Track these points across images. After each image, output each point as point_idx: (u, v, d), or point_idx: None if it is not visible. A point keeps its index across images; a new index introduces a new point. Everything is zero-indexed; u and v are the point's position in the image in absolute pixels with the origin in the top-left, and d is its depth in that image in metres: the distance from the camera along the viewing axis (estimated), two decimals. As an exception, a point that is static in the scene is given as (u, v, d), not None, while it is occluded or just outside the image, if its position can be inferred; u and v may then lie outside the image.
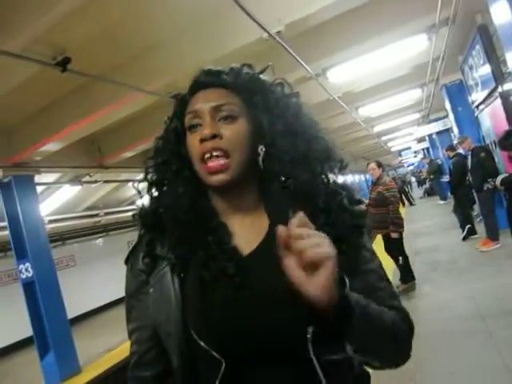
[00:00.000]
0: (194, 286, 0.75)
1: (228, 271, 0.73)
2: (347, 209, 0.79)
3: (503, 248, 5.62)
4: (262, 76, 0.85)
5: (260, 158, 0.79)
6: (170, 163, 0.82)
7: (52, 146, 5.32)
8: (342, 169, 0.84)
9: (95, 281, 11.79)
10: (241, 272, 0.73)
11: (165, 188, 0.83)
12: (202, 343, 0.71)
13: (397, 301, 0.80)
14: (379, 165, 5.08)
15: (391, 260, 5.16)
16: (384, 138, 16.51)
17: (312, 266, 0.57)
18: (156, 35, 3.96)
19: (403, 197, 17.49)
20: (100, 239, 13.03)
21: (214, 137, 0.75)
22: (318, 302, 0.58)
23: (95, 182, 8.21)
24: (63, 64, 3.38)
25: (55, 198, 8.90)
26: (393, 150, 22.61)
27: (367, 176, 25.17)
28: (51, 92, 4.50)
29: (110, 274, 12.71)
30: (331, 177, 0.82)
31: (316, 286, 0.57)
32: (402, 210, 14.54)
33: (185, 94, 0.85)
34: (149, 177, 0.85)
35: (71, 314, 7.05)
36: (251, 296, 0.73)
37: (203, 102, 0.79)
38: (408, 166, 36.14)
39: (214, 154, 0.75)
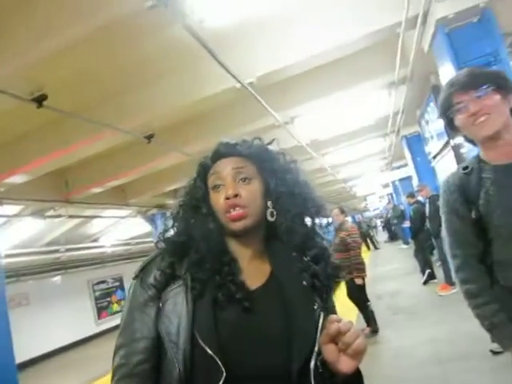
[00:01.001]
0: (207, 304, 0.89)
1: (236, 296, 0.89)
2: (331, 261, 1.01)
3: (460, 292, 5.84)
4: (269, 147, 1.06)
5: (268, 212, 0.99)
6: (200, 207, 1.00)
7: (18, 178, 5.24)
8: (329, 225, 1.06)
9: (49, 322, 11.16)
10: (248, 300, 0.90)
11: (193, 224, 1.00)
12: (210, 351, 0.83)
13: None
14: (342, 211, 5.29)
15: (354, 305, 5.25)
16: (350, 183, 17.08)
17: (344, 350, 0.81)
18: (133, 78, 4.10)
19: (368, 241, 17.92)
20: (58, 277, 12.47)
21: (235, 196, 0.94)
22: (346, 373, 0.83)
23: (59, 216, 8.01)
24: (40, 100, 3.44)
25: (14, 232, 8.57)
26: (358, 194, 23.33)
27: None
28: (22, 124, 4.51)
29: (65, 315, 12.11)
30: (320, 232, 1.04)
31: (348, 366, 0.82)
32: (367, 254, 14.82)
33: (205, 161, 1.04)
34: (176, 217, 1.03)
35: (19, 358, 6.61)
36: (258, 321, 0.89)
37: (224, 167, 0.98)
38: (374, 210, 37.20)
39: (237, 209, 0.94)
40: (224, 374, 0.81)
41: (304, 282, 0.94)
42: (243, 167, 0.98)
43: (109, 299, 15.23)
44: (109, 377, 0.93)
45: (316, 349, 0.86)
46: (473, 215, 1.31)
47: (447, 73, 3.67)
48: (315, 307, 0.92)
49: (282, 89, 5.01)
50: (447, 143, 5.41)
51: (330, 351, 0.82)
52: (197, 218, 0.99)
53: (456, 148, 5.13)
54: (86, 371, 7.90)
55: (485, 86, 1.27)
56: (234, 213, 0.93)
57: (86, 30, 2.74)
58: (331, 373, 0.86)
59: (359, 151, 10.12)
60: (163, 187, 8.30)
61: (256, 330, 0.88)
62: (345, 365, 0.82)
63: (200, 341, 0.84)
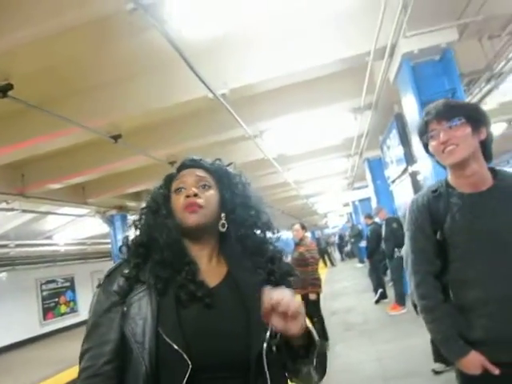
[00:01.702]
0: (171, 303, 0.97)
1: (197, 295, 0.98)
2: (284, 262, 1.15)
3: (408, 313, 6.08)
4: (228, 168, 1.20)
5: (220, 223, 1.10)
6: (160, 210, 1.11)
7: (-29, 169, 5.00)
8: (278, 236, 1.19)
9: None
10: (209, 297, 0.99)
11: (153, 226, 1.08)
12: (175, 346, 0.90)
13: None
14: (303, 226, 5.41)
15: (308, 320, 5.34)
16: (312, 200, 17.41)
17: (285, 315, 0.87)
18: (105, 77, 4.06)
19: (325, 257, 18.25)
20: (4, 273, 11.85)
21: (195, 195, 1.06)
22: (297, 334, 0.90)
23: (12, 210, 7.66)
24: (4, 90, 3.33)
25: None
26: (319, 211, 23.78)
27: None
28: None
29: (8, 314, 11.48)
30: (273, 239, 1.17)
31: (297, 326, 0.89)
32: (324, 270, 15.08)
33: (172, 172, 1.18)
34: (142, 218, 1.12)
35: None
36: (218, 315, 0.98)
37: (189, 174, 1.12)
38: (333, 228, 37.91)
39: (194, 206, 1.05)
40: (190, 366, 0.89)
41: (259, 277, 1.05)
42: (205, 177, 1.11)
43: (57, 300, 14.61)
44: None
45: (268, 334, 0.95)
46: (438, 236, 1.43)
47: (409, 103, 3.90)
48: None
49: (253, 102, 5.11)
50: (405, 169, 5.68)
51: (276, 322, 0.88)
52: (157, 220, 1.08)
53: (413, 174, 5.41)
54: (23, 375, 7.51)
55: (457, 118, 1.38)
56: (191, 208, 1.04)
57: (62, 25, 2.71)
58: (289, 346, 0.97)
59: (323, 169, 10.39)
60: (125, 189, 8.15)
61: (217, 324, 0.96)
62: (293, 327, 0.88)
63: (165, 337, 0.91)
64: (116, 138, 4.96)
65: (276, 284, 1.04)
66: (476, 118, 1.41)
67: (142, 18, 2.67)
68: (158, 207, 1.11)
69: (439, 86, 3.68)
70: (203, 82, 3.59)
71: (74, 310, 15.26)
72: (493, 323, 1.34)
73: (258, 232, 1.14)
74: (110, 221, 9.88)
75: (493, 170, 1.45)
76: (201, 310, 0.97)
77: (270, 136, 6.20)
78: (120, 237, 9.78)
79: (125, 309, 0.97)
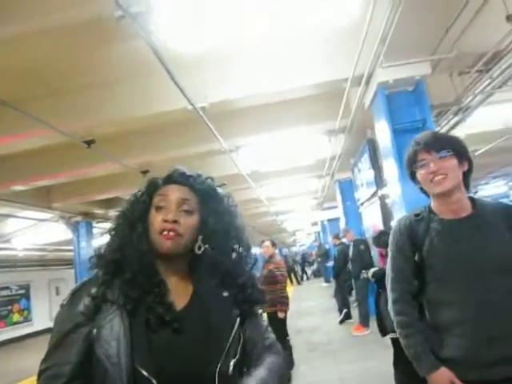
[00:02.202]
0: (141, 327, 0.97)
1: (166, 319, 0.98)
2: (257, 288, 1.14)
3: (372, 334, 6.16)
4: (218, 188, 1.16)
5: (197, 245, 1.07)
6: (136, 226, 1.06)
7: None
8: (255, 264, 1.19)
9: None
10: (177, 321, 0.99)
11: (127, 243, 1.05)
12: (145, 373, 0.92)
13: (276, 347, 1.15)
14: (273, 244, 5.41)
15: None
16: (281, 217, 17.53)
17: None
18: (83, 80, 3.99)
19: (292, 275, 18.29)
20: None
21: (174, 221, 1.02)
22: None
23: (-30, 210, 7.30)
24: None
25: None
26: (288, 229, 23.95)
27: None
28: None
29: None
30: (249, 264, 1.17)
31: None
32: (290, 289, 15.09)
33: (157, 180, 1.12)
34: (114, 232, 1.08)
35: None
36: (186, 339, 0.99)
37: (173, 193, 1.07)
38: (300, 246, 38.17)
39: (171, 233, 1.02)
40: None
41: (224, 294, 1.07)
42: (189, 200, 1.07)
43: (10, 308, 13.88)
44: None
45: (224, 353, 0.98)
46: (416, 258, 1.51)
47: (382, 129, 4.06)
48: (232, 315, 1.06)
49: (231, 118, 5.16)
50: (375, 193, 5.85)
51: None
52: (132, 236, 1.05)
53: (382, 198, 5.57)
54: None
55: (446, 150, 1.47)
56: (168, 235, 1.02)
57: (46, 26, 2.67)
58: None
59: (295, 188, 10.53)
60: (94, 195, 7.95)
61: (185, 349, 0.97)
62: None
63: (137, 365, 0.92)
64: (89, 143, 4.86)
65: (244, 310, 1.09)
66: (461, 151, 1.50)
67: (129, 25, 2.67)
68: (135, 221, 1.06)
69: (411, 115, 3.86)
70: (184, 93, 3.61)
71: (27, 320, 14.53)
72: (465, 342, 1.40)
73: (235, 258, 1.12)
74: (75, 227, 9.56)
75: (472, 199, 1.54)
76: (170, 336, 0.97)
77: (246, 152, 6.26)
78: (84, 244, 9.48)
79: (94, 330, 0.96)
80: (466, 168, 1.51)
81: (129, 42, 3.24)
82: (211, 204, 1.10)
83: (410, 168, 1.56)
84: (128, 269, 1.01)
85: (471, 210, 1.50)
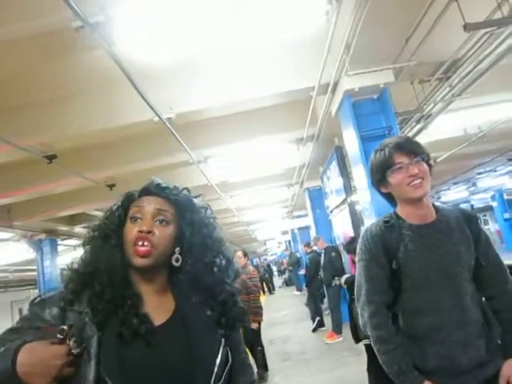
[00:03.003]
0: (111, 338, 0.92)
1: (140, 332, 0.94)
2: (238, 306, 1.10)
3: (345, 341, 6.19)
4: (194, 199, 1.13)
5: (174, 257, 1.05)
6: (110, 238, 1.03)
7: None
8: (236, 277, 1.15)
9: None
10: (152, 334, 0.95)
11: (99, 255, 1.02)
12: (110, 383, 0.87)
13: (251, 369, 1.16)
14: (245, 254, 5.38)
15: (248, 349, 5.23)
16: (252, 227, 17.51)
17: None
18: (42, 93, 3.84)
19: (264, 285, 18.24)
20: None
21: (149, 232, 1.00)
22: None
23: None
24: None
25: None
26: (259, 238, 23.95)
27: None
28: None
29: None
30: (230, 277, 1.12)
31: None
32: (263, 298, 15.01)
33: (133, 193, 1.10)
34: (87, 245, 1.05)
35: None
36: (161, 355, 0.95)
37: (148, 204, 1.05)
38: (272, 255, 38.27)
39: (145, 243, 0.99)
40: None
41: (208, 312, 1.04)
42: (165, 210, 1.05)
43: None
44: None
45: (215, 372, 0.96)
46: (393, 265, 1.46)
47: (349, 137, 4.12)
48: (217, 336, 1.03)
49: (199, 128, 5.11)
50: (344, 200, 5.92)
51: None
52: (105, 248, 1.02)
53: (351, 205, 5.64)
54: None
55: (422, 155, 1.46)
56: (142, 248, 0.98)
57: (1, 33, 2.54)
58: None
59: (264, 197, 10.55)
60: (57, 212, 7.63)
61: (159, 365, 0.94)
62: None
63: (104, 375, 0.88)
64: (51, 158, 4.66)
65: (224, 326, 1.05)
66: (428, 157, 1.50)
67: (89, 36, 2.59)
68: (109, 233, 1.04)
69: (377, 122, 3.94)
70: (149, 104, 3.52)
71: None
72: (445, 350, 1.39)
73: (215, 271, 1.09)
74: (38, 246, 9.15)
75: (433, 205, 1.54)
76: (143, 350, 0.93)
77: (214, 162, 6.21)
78: (48, 263, 9.08)
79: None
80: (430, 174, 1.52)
81: (90, 53, 3.15)
82: (188, 215, 1.08)
83: (381, 173, 1.50)
84: (98, 282, 0.97)
85: (435, 216, 1.50)
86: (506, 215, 19.05)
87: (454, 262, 1.43)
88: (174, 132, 4.20)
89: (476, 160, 9.90)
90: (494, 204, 19.78)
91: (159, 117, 3.77)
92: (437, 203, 1.59)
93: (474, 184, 14.72)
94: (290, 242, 20.39)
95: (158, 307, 1.02)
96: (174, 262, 1.04)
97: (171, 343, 0.97)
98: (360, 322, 1.55)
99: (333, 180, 6.64)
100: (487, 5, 3.12)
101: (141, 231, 0.99)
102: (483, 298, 1.50)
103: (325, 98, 4.26)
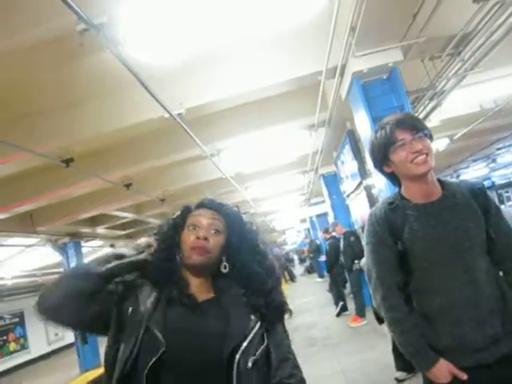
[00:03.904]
0: (162, 303, 1.14)
1: (185, 302, 1.16)
2: (280, 298, 1.27)
3: (369, 324, 6.21)
4: (242, 214, 1.35)
5: (222, 265, 1.25)
6: (173, 238, 1.26)
7: None
8: (277, 286, 1.30)
9: None
10: (194, 305, 1.17)
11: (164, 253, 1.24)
12: (156, 331, 1.07)
13: (298, 370, 1.25)
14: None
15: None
16: (270, 217, 17.52)
17: None
18: (55, 98, 3.91)
19: (286, 273, 18.33)
20: None
21: (205, 238, 1.20)
22: None
23: None
24: None
25: None
26: (277, 228, 23.95)
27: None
28: None
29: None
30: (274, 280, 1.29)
31: None
32: (285, 286, 15.09)
33: (189, 206, 1.32)
34: (159, 244, 1.26)
35: None
36: (200, 321, 1.15)
37: (205, 216, 1.26)
38: (292, 244, 38.27)
39: (202, 248, 1.20)
40: (163, 348, 1.04)
41: (244, 299, 1.20)
42: (218, 222, 1.25)
43: (5, 338, 13.52)
44: None
45: (244, 345, 1.10)
46: (399, 247, 1.45)
47: (361, 119, 4.07)
48: (252, 317, 1.18)
49: (210, 122, 5.12)
50: (360, 183, 5.87)
51: None
52: (167, 251, 1.24)
53: (367, 188, 5.59)
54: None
55: (424, 130, 1.43)
56: (199, 250, 1.19)
57: (8, 48, 2.59)
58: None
59: (280, 186, 10.52)
60: (78, 215, 7.79)
61: (197, 334, 1.11)
62: None
63: (151, 325, 1.08)
64: (68, 162, 4.76)
65: (266, 317, 1.20)
66: (430, 132, 1.48)
67: (94, 39, 2.61)
68: (172, 233, 1.27)
69: (388, 102, 3.87)
70: (159, 102, 3.55)
71: (24, 347, 14.17)
72: (457, 329, 1.38)
73: (260, 273, 1.25)
74: (63, 249, 9.36)
75: (439, 181, 1.51)
76: (186, 319, 1.13)
77: (228, 155, 6.22)
78: (74, 265, 9.28)
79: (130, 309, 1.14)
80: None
81: (98, 56, 3.18)
82: (236, 227, 1.28)
83: (383, 151, 1.47)
84: (159, 269, 1.20)
85: (441, 192, 1.47)
86: (530, 189, 18.53)
87: (461, 238, 1.40)
88: (185, 127, 4.22)
89: (494, 135, 9.62)
90: (516, 179, 19.28)
91: (169, 113, 3.79)
92: (442, 178, 1.55)
93: (494, 160, 14.27)
94: (309, 229, 20.36)
95: (200, 294, 1.21)
96: (222, 269, 1.25)
97: (209, 317, 1.15)
98: (373, 304, 1.55)
99: (347, 164, 6.58)
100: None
101: (198, 237, 1.20)
102: (500, 273, 1.47)
103: (333, 81, 4.21)
